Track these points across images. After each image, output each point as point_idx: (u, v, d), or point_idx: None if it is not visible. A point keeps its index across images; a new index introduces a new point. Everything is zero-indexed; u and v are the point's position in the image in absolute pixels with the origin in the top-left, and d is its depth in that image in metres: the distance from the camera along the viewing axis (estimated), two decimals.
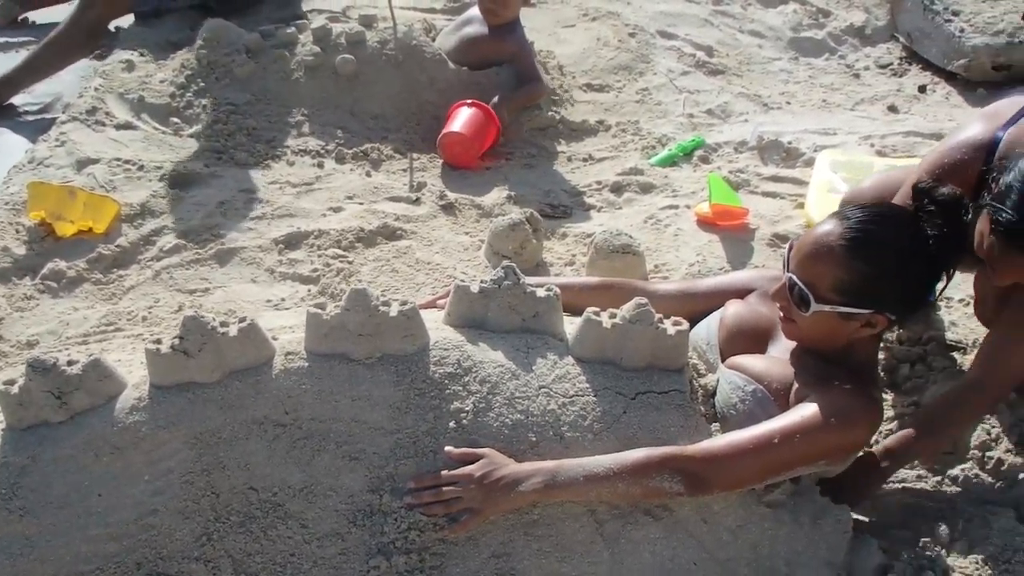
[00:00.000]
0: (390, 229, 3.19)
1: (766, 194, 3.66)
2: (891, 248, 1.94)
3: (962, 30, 4.80)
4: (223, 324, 1.87)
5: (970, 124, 2.34)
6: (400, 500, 1.85)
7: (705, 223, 3.38)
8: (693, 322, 2.32)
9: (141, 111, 3.81)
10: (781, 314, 2.08)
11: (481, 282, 2.04)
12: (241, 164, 3.53)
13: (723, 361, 2.16)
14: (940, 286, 2.06)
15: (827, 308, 1.96)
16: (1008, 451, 2.34)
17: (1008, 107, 2.33)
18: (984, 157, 2.20)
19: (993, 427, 2.44)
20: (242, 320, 1.88)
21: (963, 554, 2.08)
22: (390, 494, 1.86)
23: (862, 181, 2.98)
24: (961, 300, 2.99)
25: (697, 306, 2.36)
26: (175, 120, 3.77)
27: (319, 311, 1.91)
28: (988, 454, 2.36)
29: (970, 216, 2.01)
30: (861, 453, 2.14)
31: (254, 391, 1.89)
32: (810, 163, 3.83)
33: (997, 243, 1.99)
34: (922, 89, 4.84)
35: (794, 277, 1.99)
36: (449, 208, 3.42)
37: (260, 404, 1.88)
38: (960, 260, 2.01)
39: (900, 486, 2.36)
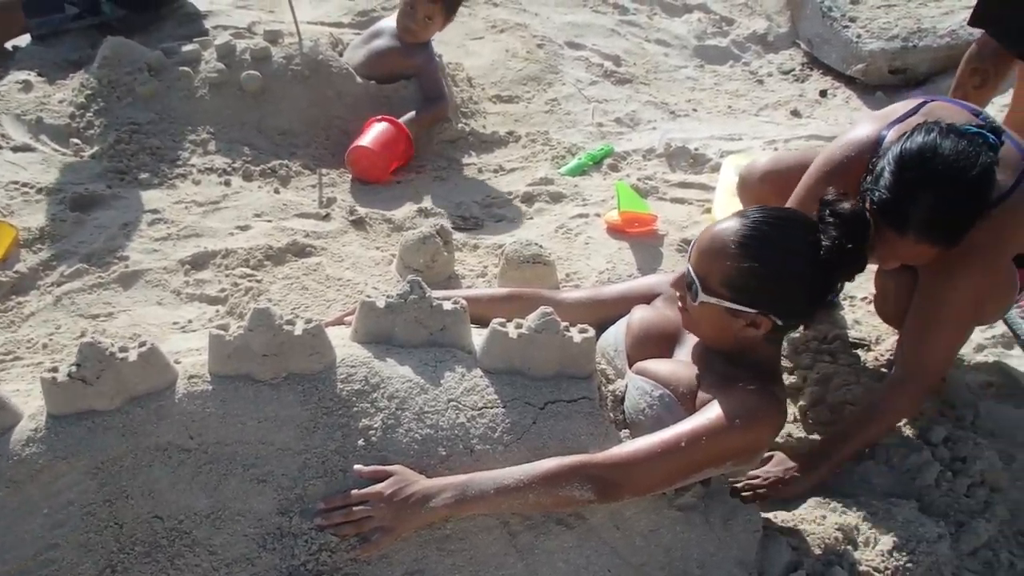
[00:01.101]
0: (299, 246, 3.16)
1: (674, 200, 3.72)
2: (781, 252, 1.97)
3: (859, 36, 4.96)
4: (122, 349, 1.82)
5: (860, 124, 2.45)
6: (310, 521, 1.83)
7: (615, 231, 3.42)
8: (601, 329, 2.33)
9: (39, 132, 3.71)
10: (680, 303, 2.12)
11: (387, 297, 2.02)
12: (145, 185, 3.46)
13: (631, 366, 2.18)
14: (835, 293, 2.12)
15: (713, 300, 2.01)
16: (911, 445, 2.41)
17: (898, 108, 2.42)
18: (870, 155, 2.28)
19: (903, 421, 2.51)
20: (142, 344, 1.83)
21: (869, 546, 2.13)
22: (300, 516, 1.83)
23: (758, 158, 3.03)
24: (864, 298, 3.08)
25: (605, 313, 2.37)
26: (75, 141, 3.68)
27: (221, 332, 1.87)
28: (892, 448, 2.42)
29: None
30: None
31: (156, 417, 1.84)
32: (717, 168, 3.91)
33: (873, 223, 2.09)
34: (823, 94, 4.98)
35: (690, 268, 2.04)
36: (359, 223, 3.39)
37: (163, 430, 1.84)
38: (854, 273, 2.06)
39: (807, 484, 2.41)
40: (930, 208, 2.04)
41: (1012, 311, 3.00)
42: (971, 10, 3.45)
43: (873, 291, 2.78)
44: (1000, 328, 3.03)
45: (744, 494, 2.30)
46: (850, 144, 2.39)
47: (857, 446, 2.39)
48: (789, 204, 2.48)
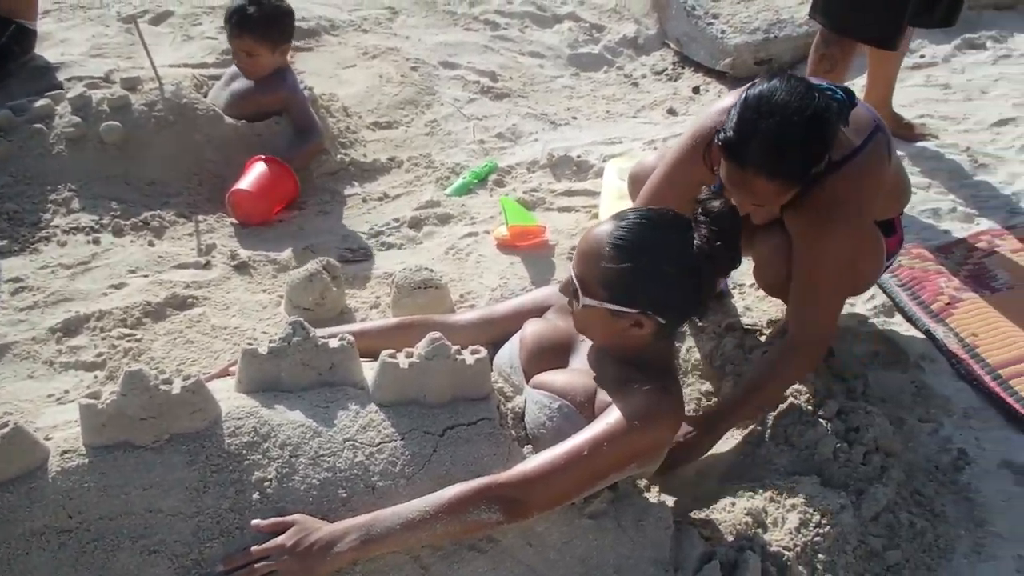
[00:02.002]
0: (180, 298, 3.02)
1: (561, 209, 3.71)
2: (653, 251, 1.98)
3: (723, 31, 5.09)
4: None
5: (726, 96, 2.54)
6: None
7: (505, 246, 3.38)
8: (497, 347, 2.30)
9: None
10: (570, 308, 2.13)
11: (270, 342, 1.94)
12: (4, 252, 3.26)
13: (528, 381, 2.15)
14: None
15: (594, 303, 2.01)
16: (807, 421, 2.44)
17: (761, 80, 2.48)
18: None
19: (794, 399, 2.54)
20: (3, 426, 1.71)
21: (778, 527, 2.15)
22: None
23: (646, 156, 3.09)
24: (752, 285, 3.11)
25: (498, 331, 2.34)
26: None
27: (92, 401, 1.77)
28: (790, 426, 2.45)
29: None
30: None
31: (28, 500, 1.72)
32: (600, 173, 3.91)
33: (723, 163, 2.24)
34: (696, 90, 5.07)
35: (573, 272, 2.05)
36: (243, 268, 3.28)
37: (37, 513, 1.72)
38: (728, 269, 2.13)
39: (714, 472, 2.43)
40: (763, 138, 2.13)
41: (887, 277, 3.13)
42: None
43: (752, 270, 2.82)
44: (881, 298, 3.12)
45: None
46: (714, 112, 2.49)
47: (752, 407, 2.46)
48: (660, 173, 2.60)
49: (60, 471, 1.75)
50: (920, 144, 4.06)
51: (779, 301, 2.92)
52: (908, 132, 4.09)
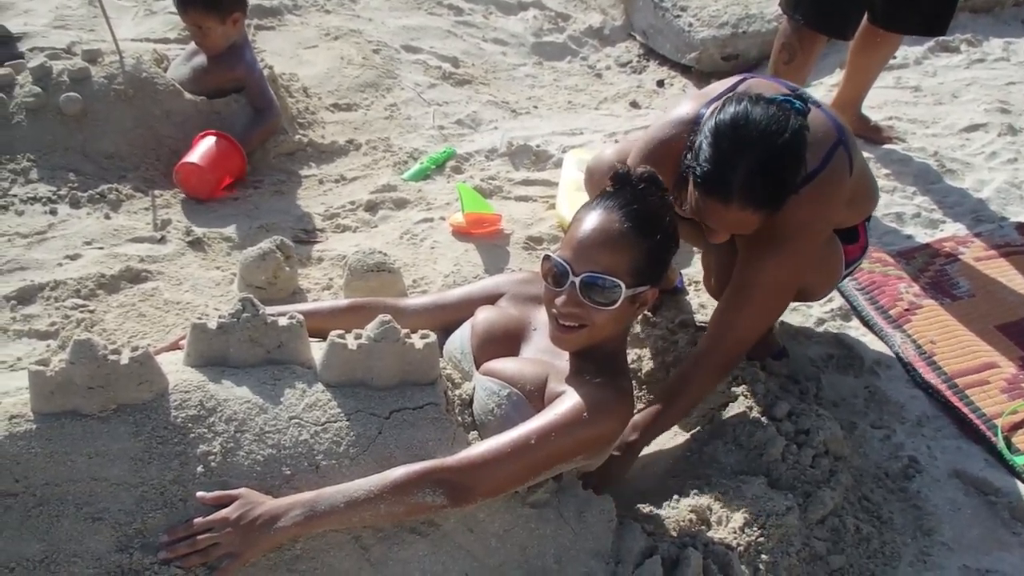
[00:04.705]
0: (134, 272, 3.03)
1: (519, 198, 3.75)
2: (660, 219, 2.05)
3: (690, 25, 5.11)
4: None
5: (681, 103, 2.51)
6: (153, 556, 1.76)
7: (460, 233, 3.42)
8: (447, 333, 2.32)
9: None
10: (569, 324, 2.04)
11: (219, 317, 1.97)
12: None
13: (478, 368, 2.17)
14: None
15: (632, 291, 2.01)
16: (756, 422, 2.47)
17: (716, 87, 2.50)
18: (688, 133, 2.35)
19: (745, 398, 2.58)
20: None
21: (722, 525, 2.18)
22: (141, 551, 1.76)
23: (604, 149, 3.06)
24: None
25: (449, 317, 2.35)
26: None
27: (42, 368, 1.79)
28: (739, 426, 2.48)
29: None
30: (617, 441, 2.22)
31: None
32: (559, 164, 3.96)
33: (699, 197, 2.18)
34: (660, 84, 5.11)
35: (594, 273, 1.99)
36: (197, 244, 3.29)
37: None
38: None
39: (659, 467, 2.46)
40: (749, 173, 2.09)
41: (847, 282, 3.14)
42: None
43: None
44: (839, 301, 3.15)
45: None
46: (670, 123, 2.44)
47: (667, 420, 2.44)
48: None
49: (7, 435, 1.77)
50: (887, 147, 4.05)
51: None
52: (875, 134, 4.08)
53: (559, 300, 2.03)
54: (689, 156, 2.21)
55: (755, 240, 2.34)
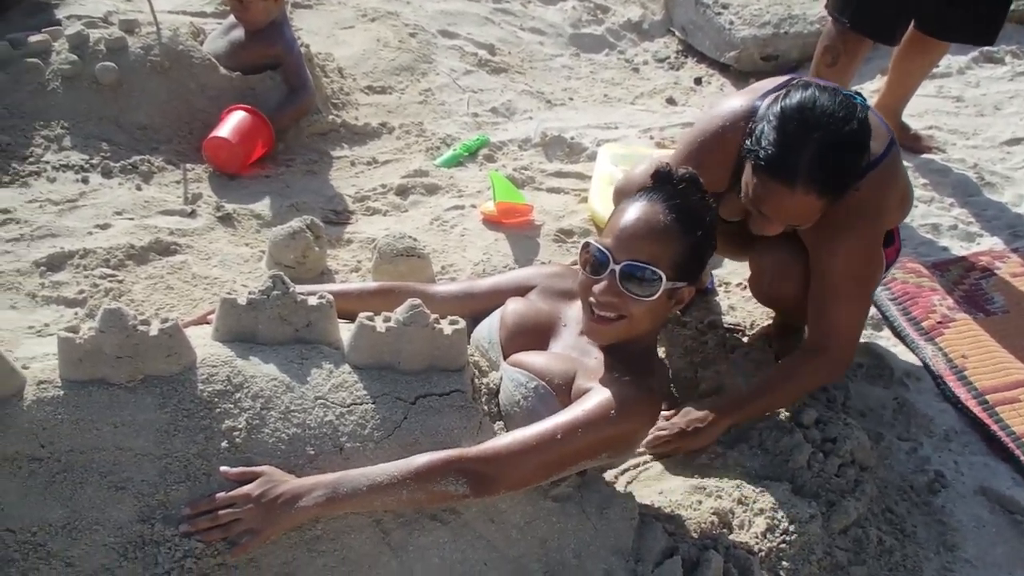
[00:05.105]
0: (163, 244, 3.04)
1: (551, 190, 3.73)
2: (701, 215, 2.04)
3: (731, 23, 5.06)
4: None
5: (731, 97, 2.49)
6: (174, 528, 1.75)
7: (491, 222, 3.41)
8: (475, 322, 2.31)
9: None
10: (605, 314, 2.03)
11: (249, 293, 1.96)
12: None
13: (505, 359, 2.15)
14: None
15: (671, 285, 2.00)
16: (783, 427, 2.45)
17: (767, 83, 2.48)
18: (744, 126, 2.33)
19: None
20: None
21: (744, 529, 2.16)
22: (162, 522, 1.76)
23: (635, 167, 3.01)
24: (739, 284, 3.14)
25: (478, 306, 2.33)
26: None
27: (71, 335, 1.78)
28: (765, 431, 2.46)
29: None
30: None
31: (3, 426, 1.73)
32: (593, 157, 3.93)
33: (760, 182, 2.15)
34: (698, 81, 5.07)
35: (634, 262, 1.98)
36: (227, 219, 3.29)
37: (10, 439, 1.73)
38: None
39: (681, 471, 2.44)
40: (815, 156, 2.08)
41: (880, 292, 3.11)
42: None
43: (748, 278, 2.82)
44: (871, 310, 3.09)
45: (654, 447, 2.38)
46: (722, 115, 2.42)
47: (768, 405, 2.45)
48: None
49: (35, 400, 1.77)
50: (926, 156, 4.00)
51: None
52: (915, 143, 4.04)
53: (597, 288, 2.01)
54: (750, 141, 2.19)
55: (829, 234, 2.34)
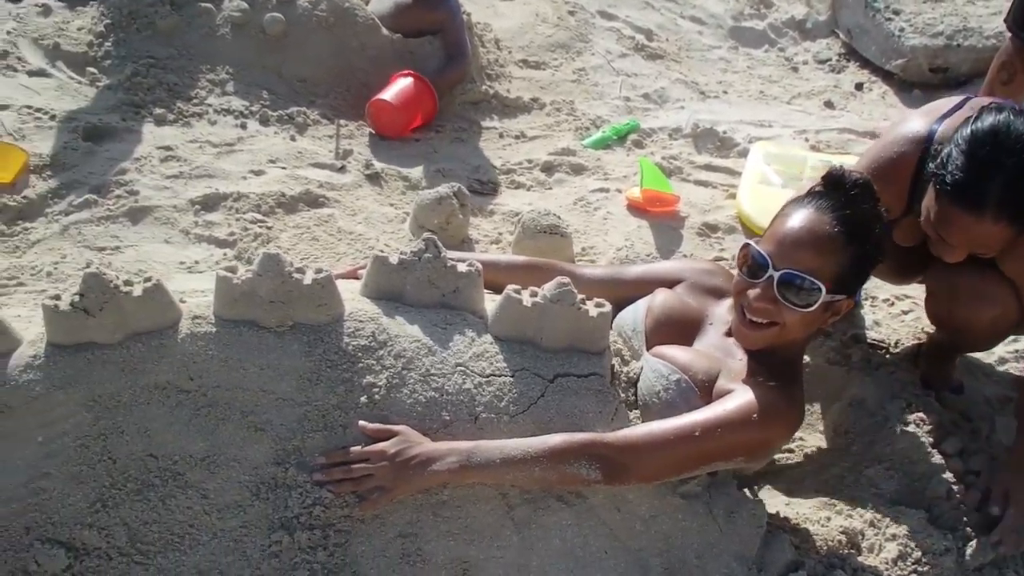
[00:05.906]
0: (312, 196, 3.09)
1: (698, 182, 3.66)
2: (869, 227, 1.95)
3: (902, 29, 4.85)
4: (127, 283, 1.77)
5: (907, 119, 2.37)
6: (306, 474, 1.78)
7: (635, 208, 3.36)
8: (618, 308, 2.26)
9: (56, 58, 3.63)
10: (757, 319, 1.97)
11: (400, 254, 1.97)
12: (159, 120, 3.39)
13: (648, 349, 2.11)
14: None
15: (830, 298, 1.93)
16: (923, 452, 2.34)
17: (943, 103, 2.35)
18: (922, 150, 2.23)
19: (916, 426, 2.43)
20: (147, 280, 1.78)
21: (873, 553, 2.09)
22: (296, 467, 1.79)
23: (804, 185, 2.93)
24: (886, 300, 3.02)
25: (624, 292, 2.29)
26: (92, 70, 3.60)
27: (229, 275, 1.82)
28: (905, 453, 2.36)
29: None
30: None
31: (157, 355, 1.79)
32: (744, 154, 3.84)
33: (944, 208, 2.03)
34: (859, 87, 4.89)
35: (794, 271, 1.92)
36: (375, 178, 3.33)
37: (163, 368, 1.79)
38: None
39: (811, 484, 2.36)
40: (1007, 184, 1.96)
41: None
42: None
43: (896, 293, 2.71)
44: (1023, 343, 2.95)
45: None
46: (898, 140, 2.31)
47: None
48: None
49: (189, 334, 1.82)
50: None
51: (912, 322, 2.81)
52: None
53: (752, 292, 1.95)
54: (934, 165, 2.07)
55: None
